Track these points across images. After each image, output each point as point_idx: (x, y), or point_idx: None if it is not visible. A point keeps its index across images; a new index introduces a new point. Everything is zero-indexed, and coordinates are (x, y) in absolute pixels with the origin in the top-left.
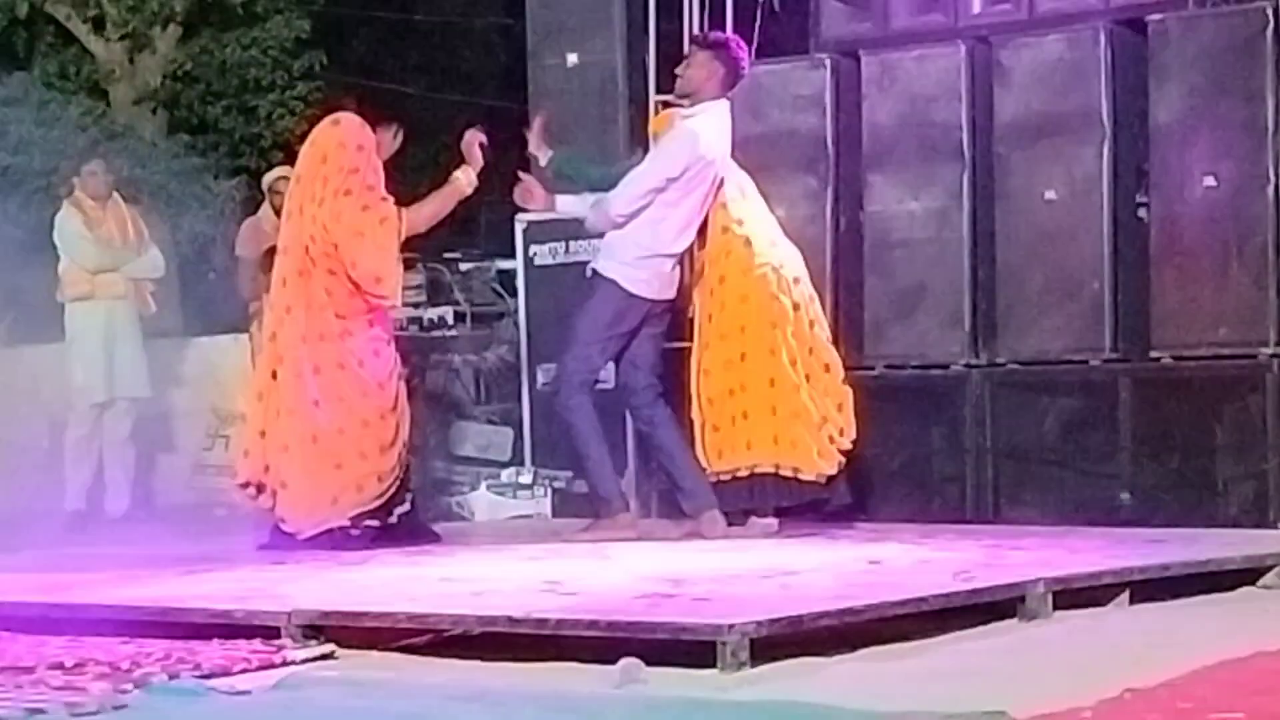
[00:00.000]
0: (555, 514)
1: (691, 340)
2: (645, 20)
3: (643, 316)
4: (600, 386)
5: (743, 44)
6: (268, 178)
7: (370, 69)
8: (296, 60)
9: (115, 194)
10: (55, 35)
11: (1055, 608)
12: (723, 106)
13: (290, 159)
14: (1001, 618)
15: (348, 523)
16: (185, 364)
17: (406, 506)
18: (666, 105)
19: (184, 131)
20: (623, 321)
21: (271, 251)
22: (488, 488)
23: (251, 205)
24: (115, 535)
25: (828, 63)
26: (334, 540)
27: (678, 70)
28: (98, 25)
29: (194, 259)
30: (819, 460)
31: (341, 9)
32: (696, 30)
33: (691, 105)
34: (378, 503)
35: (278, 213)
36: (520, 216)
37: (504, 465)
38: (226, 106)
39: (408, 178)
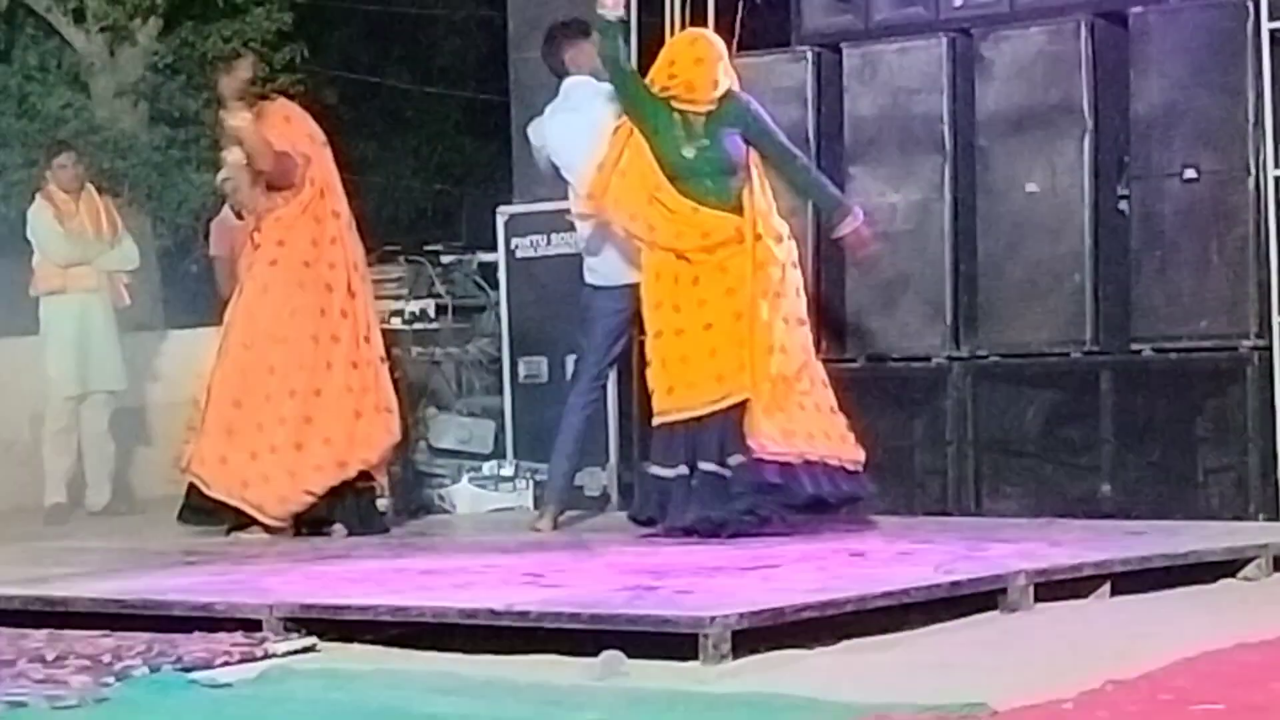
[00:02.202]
0: (537, 507)
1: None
2: (626, 13)
3: (620, 304)
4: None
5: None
6: (218, 180)
7: (351, 61)
8: (278, 53)
9: (89, 186)
10: (35, 27)
11: (1036, 600)
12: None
13: None
14: (983, 610)
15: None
16: (164, 357)
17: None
18: None
19: (165, 124)
20: (590, 310)
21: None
22: (469, 480)
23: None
24: (95, 528)
25: (809, 55)
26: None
27: None
28: (78, 17)
29: (174, 252)
30: None
31: (323, 1)
32: (679, 24)
33: None
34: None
35: (237, 214)
36: (502, 209)
37: (486, 458)
38: (208, 99)
39: (391, 169)
